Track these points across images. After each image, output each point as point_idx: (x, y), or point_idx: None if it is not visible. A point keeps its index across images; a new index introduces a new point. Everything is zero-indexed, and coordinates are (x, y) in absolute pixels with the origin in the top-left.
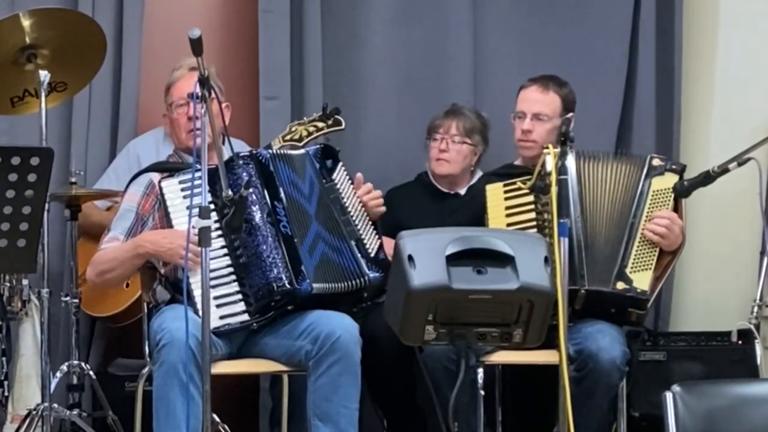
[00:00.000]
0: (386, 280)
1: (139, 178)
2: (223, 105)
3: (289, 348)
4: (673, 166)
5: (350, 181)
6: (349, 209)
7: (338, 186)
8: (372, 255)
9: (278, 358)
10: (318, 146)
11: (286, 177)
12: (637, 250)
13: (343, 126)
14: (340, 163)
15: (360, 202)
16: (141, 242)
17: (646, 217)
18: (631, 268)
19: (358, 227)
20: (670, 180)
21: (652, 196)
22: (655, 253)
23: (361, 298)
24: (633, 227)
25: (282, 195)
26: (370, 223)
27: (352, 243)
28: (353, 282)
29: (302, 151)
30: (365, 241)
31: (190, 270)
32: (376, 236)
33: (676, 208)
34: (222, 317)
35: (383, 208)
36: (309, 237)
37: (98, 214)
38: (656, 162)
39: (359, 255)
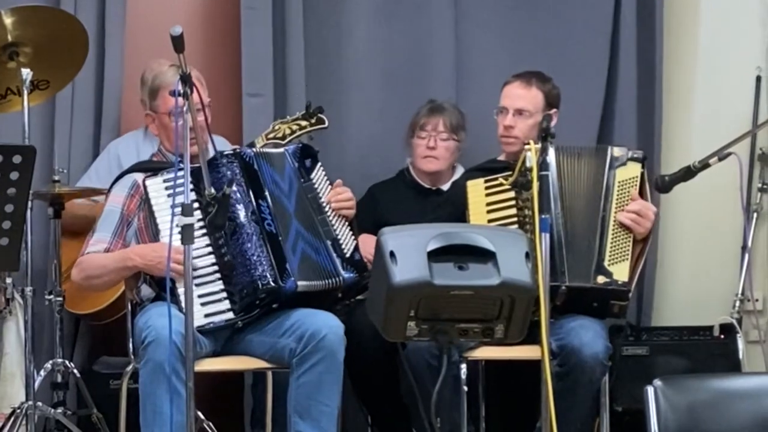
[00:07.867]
0: (361, 280)
1: (123, 179)
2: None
3: (273, 345)
4: (635, 155)
5: (328, 182)
6: (326, 209)
7: (316, 185)
8: (347, 255)
9: (262, 355)
10: (297, 145)
11: (269, 175)
12: (612, 242)
13: (326, 124)
14: (319, 164)
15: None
16: (130, 255)
17: (616, 208)
18: (609, 260)
19: (335, 227)
20: (633, 169)
21: (619, 186)
22: (629, 243)
23: (335, 298)
24: (605, 220)
25: (266, 193)
26: (347, 223)
27: (328, 243)
28: (329, 281)
29: (281, 149)
30: (341, 241)
31: (176, 278)
32: (352, 237)
33: (642, 196)
34: (207, 315)
35: (353, 211)
36: (291, 235)
37: (82, 207)
38: (617, 153)
39: (335, 255)
